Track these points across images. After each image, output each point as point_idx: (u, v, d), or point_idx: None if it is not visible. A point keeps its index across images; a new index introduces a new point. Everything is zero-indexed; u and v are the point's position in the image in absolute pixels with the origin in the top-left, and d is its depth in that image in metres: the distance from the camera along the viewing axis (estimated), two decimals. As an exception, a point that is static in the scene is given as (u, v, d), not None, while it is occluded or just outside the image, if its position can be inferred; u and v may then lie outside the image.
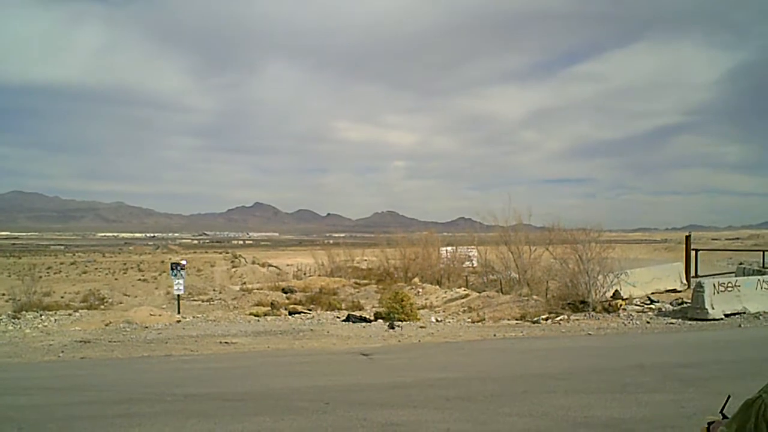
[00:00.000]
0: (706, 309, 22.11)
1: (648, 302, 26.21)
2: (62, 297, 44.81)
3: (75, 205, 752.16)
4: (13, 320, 25.82)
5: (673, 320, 22.30)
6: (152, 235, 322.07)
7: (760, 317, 22.09)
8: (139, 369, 14.69)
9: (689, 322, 21.74)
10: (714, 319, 21.85)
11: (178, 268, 30.10)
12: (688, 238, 33.41)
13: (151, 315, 25.81)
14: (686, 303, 24.15)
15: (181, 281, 29.75)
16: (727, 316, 22.29)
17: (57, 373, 14.17)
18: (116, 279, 69.44)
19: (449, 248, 45.56)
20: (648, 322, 22.01)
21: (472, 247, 44.18)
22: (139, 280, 67.09)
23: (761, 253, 45.92)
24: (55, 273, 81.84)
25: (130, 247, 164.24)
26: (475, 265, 42.68)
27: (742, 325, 20.71)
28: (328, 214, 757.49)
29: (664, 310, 24.35)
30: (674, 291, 30.04)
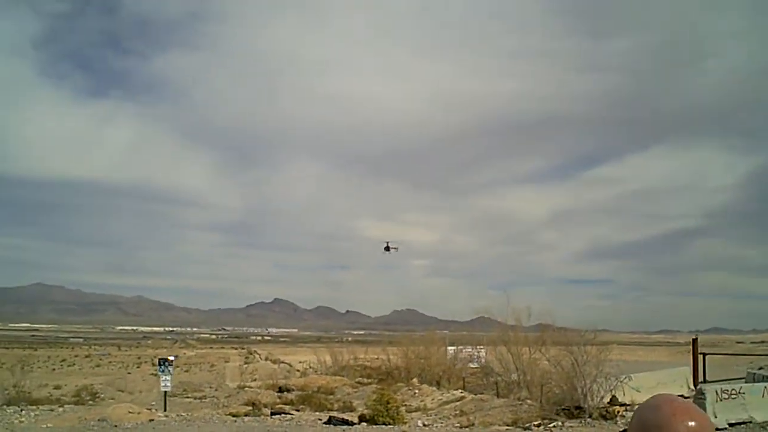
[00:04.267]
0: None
1: (650, 409, 24.90)
2: (61, 389, 44.23)
3: (96, 298, 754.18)
4: (-10, 415, 25.06)
5: (674, 429, 21.02)
6: (171, 329, 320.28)
7: (767, 427, 20.76)
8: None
9: (690, 432, 20.46)
10: (717, 429, 20.53)
11: (166, 364, 29.35)
12: (695, 341, 32.19)
13: (129, 412, 24.85)
14: (689, 411, 22.86)
15: (168, 377, 28.96)
16: (731, 425, 21.01)
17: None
18: (129, 373, 68.78)
19: (453, 348, 44.41)
20: (646, 431, 20.74)
21: (482, 347, 43.09)
22: (152, 374, 66.28)
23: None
24: (69, 366, 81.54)
25: (149, 341, 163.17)
26: (481, 364, 41.51)
27: (745, 437, 19.42)
28: (348, 311, 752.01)
29: (665, 417, 23.05)
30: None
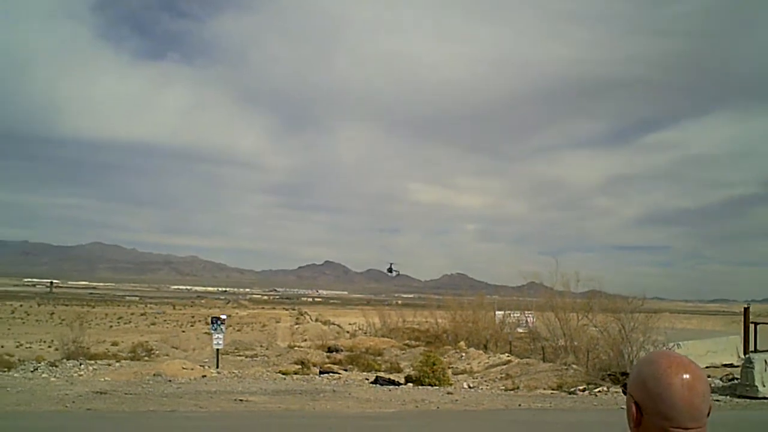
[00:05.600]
0: (756, 386, 20.68)
1: (697, 377, 24.73)
2: (118, 346, 45.65)
3: (151, 257, 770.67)
4: (50, 368, 26.04)
5: (720, 397, 20.92)
6: (224, 289, 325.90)
7: (816, 398, 20.48)
8: (135, 425, 14.38)
9: (737, 400, 20.37)
10: (765, 398, 20.40)
11: (218, 322, 30.01)
12: (746, 310, 31.69)
13: (183, 368, 25.59)
14: (737, 379, 22.66)
15: (220, 336, 29.58)
16: (779, 394, 20.77)
17: (53, 424, 13.96)
18: (183, 331, 70.37)
19: (501, 312, 44.42)
20: (692, 398, 20.65)
21: (530, 312, 43.02)
22: (205, 333, 67.79)
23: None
24: (125, 323, 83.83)
25: (202, 301, 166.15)
26: (529, 329, 41.50)
27: (793, 406, 19.21)
28: (398, 274, 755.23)
29: (712, 385, 22.89)
30: (731, 366, 28.38)
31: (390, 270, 52.42)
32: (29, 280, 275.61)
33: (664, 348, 24.73)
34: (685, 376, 2.16)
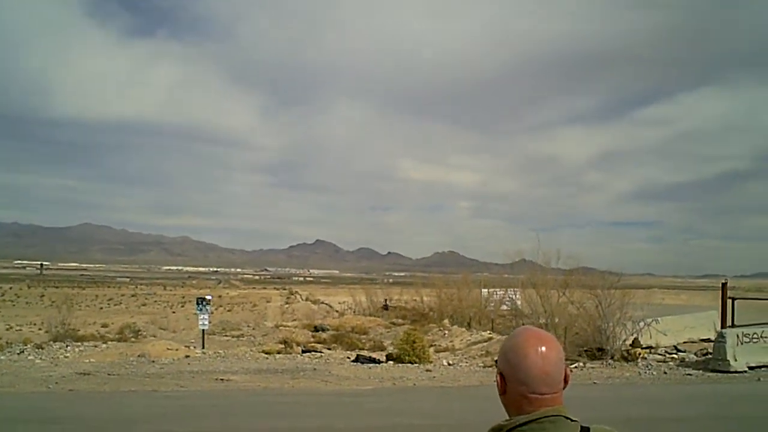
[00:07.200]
0: (728, 360, 21.12)
1: (673, 351, 25.24)
2: (108, 327, 45.94)
3: (142, 238, 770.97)
4: (36, 350, 26.35)
5: (693, 371, 21.39)
6: (215, 269, 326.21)
7: (787, 370, 20.98)
8: (117, 403, 14.69)
9: (709, 374, 20.81)
10: (736, 372, 20.85)
11: (204, 303, 30.31)
12: (724, 285, 32.03)
13: (167, 349, 25.93)
14: (711, 354, 23.11)
15: (206, 316, 29.90)
16: (751, 368, 21.23)
17: (34, 405, 14.26)
18: (173, 312, 70.60)
19: (485, 290, 44.74)
20: (665, 373, 21.17)
21: (514, 289, 43.27)
22: (194, 313, 67.87)
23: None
24: (115, 305, 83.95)
25: (193, 281, 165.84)
26: (512, 306, 41.78)
27: (762, 379, 19.66)
28: (389, 252, 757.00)
29: (687, 360, 23.40)
30: (708, 341, 28.82)
31: (386, 307, 53.22)
32: (19, 262, 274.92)
33: (641, 324, 25.24)
34: (540, 348, 2.39)
